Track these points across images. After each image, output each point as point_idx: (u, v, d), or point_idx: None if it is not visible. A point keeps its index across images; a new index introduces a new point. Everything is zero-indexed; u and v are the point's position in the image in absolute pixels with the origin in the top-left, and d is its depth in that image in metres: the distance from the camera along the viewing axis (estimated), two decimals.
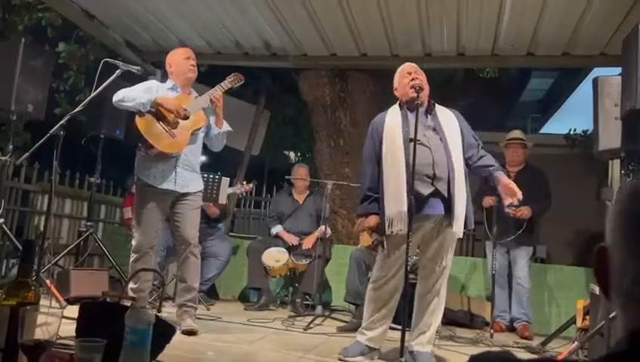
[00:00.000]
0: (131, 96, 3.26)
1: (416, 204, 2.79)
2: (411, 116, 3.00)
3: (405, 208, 2.79)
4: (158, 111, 3.26)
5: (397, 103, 3.13)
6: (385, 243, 2.96)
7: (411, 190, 2.75)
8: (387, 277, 2.96)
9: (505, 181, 2.95)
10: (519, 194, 2.90)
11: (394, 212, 2.84)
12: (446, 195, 2.87)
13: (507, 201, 2.97)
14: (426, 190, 2.86)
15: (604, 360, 0.57)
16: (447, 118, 3.04)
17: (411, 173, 2.74)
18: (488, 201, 4.51)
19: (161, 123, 3.27)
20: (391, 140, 2.96)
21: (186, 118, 3.30)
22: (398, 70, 3.18)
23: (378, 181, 2.98)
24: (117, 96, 3.28)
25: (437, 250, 2.94)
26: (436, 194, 2.87)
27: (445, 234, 2.92)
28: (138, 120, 3.27)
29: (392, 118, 3.04)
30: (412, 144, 2.83)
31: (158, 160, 3.31)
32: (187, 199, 3.39)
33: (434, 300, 2.95)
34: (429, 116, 3.00)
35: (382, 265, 2.99)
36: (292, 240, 4.95)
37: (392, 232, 2.85)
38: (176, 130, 3.30)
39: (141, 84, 3.49)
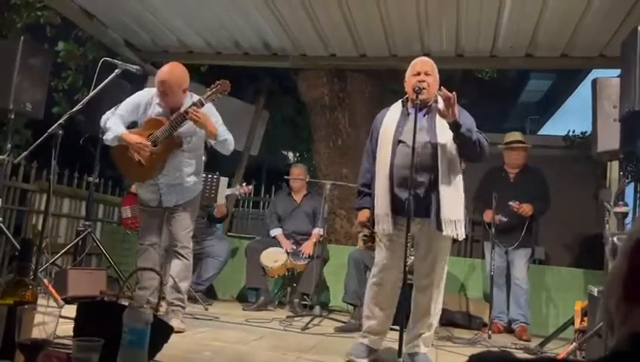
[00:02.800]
0: (108, 127, 3.30)
1: (398, 206, 2.84)
2: (409, 116, 2.98)
3: (389, 210, 2.85)
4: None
5: (400, 100, 3.09)
6: (377, 238, 3.02)
7: (392, 192, 2.84)
8: (382, 275, 2.95)
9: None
10: (449, 105, 2.71)
11: (380, 212, 2.89)
12: (426, 198, 2.83)
13: (441, 106, 2.75)
14: (404, 194, 2.82)
15: (604, 359, 0.56)
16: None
17: (392, 176, 2.84)
18: (489, 216, 4.52)
19: (130, 152, 3.29)
20: (383, 140, 2.97)
21: (154, 145, 3.24)
22: (412, 63, 3.06)
23: (372, 178, 3.01)
24: (102, 122, 3.35)
25: (426, 252, 2.93)
26: (417, 197, 2.83)
27: (433, 237, 2.89)
28: (111, 148, 3.39)
29: (390, 117, 3.03)
30: (399, 146, 2.87)
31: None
32: (177, 208, 3.42)
33: (429, 302, 2.91)
34: (426, 116, 2.93)
35: (376, 261, 3.01)
36: (287, 246, 4.94)
37: (378, 231, 2.91)
38: (147, 159, 3.27)
39: (130, 99, 3.44)
